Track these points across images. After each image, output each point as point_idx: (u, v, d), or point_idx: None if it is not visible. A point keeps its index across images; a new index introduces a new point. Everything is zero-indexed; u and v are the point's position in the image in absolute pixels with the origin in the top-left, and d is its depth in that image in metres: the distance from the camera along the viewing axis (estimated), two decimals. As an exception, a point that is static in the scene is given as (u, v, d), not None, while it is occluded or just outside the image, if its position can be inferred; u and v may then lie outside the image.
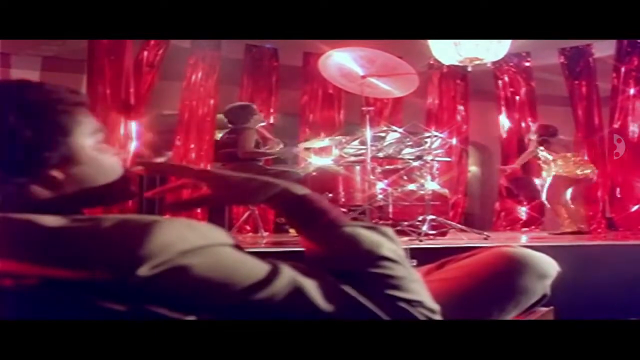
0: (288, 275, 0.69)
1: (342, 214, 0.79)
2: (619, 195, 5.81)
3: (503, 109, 6.48)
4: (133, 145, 5.26)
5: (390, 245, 0.75)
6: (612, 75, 5.89)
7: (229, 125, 4.18)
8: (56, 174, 0.74)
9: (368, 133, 3.77)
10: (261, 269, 0.69)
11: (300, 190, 0.79)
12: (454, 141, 5.77)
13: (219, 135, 5.94)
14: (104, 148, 0.82)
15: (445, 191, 4.50)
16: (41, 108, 0.75)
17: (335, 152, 4.22)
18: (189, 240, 0.66)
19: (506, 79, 6.45)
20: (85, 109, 0.81)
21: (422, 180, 3.95)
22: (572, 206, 4.80)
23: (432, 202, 3.89)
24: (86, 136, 0.79)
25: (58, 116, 0.76)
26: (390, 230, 0.78)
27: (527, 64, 6.38)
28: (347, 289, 0.70)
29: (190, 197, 0.84)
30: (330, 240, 0.75)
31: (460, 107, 6.55)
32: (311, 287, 0.69)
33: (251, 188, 0.80)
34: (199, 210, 5.53)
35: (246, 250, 0.72)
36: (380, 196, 3.94)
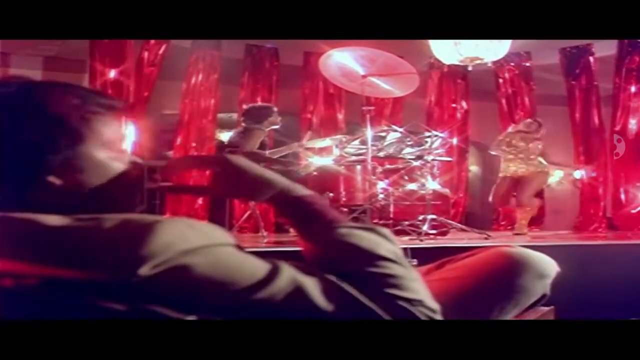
0: (288, 274, 0.69)
1: (339, 214, 0.79)
2: (622, 195, 5.78)
3: (503, 108, 6.47)
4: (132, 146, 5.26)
5: (388, 245, 0.76)
6: (613, 74, 5.87)
7: (242, 124, 4.16)
8: (53, 179, 0.73)
9: (369, 133, 3.77)
10: (262, 268, 0.69)
11: (298, 191, 0.79)
12: (454, 141, 5.76)
13: (220, 135, 5.96)
14: (119, 157, 0.80)
15: (446, 191, 4.50)
16: (56, 113, 0.74)
17: (336, 151, 4.22)
18: (190, 239, 0.66)
19: (506, 78, 6.44)
20: (113, 115, 0.79)
21: (423, 180, 3.95)
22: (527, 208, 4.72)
23: (432, 202, 3.90)
24: (100, 144, 0.77)
25: (73, 123, 0.74)
26: (387, 231, 0.78)
27: (527, 63, 6.37)
28: (348, 288, 0.70)
29: (193, 184, 0.83)
30: (328, 241, 0.76)
31: (461, 107, 6.54)
32: (311, 286, 0.69)
33: (257, 185, 0.80)
34: (200, 201, 5.53)
35: (246, 250, 0.72)
36: (381, 196, 3.94)
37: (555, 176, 7.01)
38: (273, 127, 4.21)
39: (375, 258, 0.73)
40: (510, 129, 4.97)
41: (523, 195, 4.61)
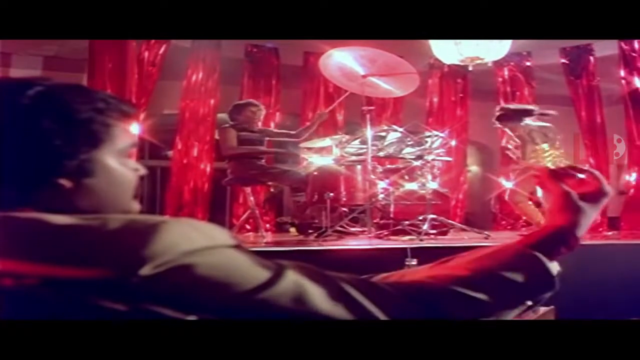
0: (292, 278, 0.69)
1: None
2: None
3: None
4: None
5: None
6: (619, 75, 5.85)
7: (231, 122, 4.21)
8: (64, 182, 0.74)
9: (369, 132, 3.78)
10: (264, 271, 0.69)
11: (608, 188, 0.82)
12: (453, 142, 5.77)
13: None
14: (126, 162, 0.80)
15: (447, 191, 4.50)
16: (81, 116, 0.74)
17: (336, 151, 4.22)
18: (194, 240, 0.66)
19: (507, 78, 6.44)
20: (128, 121, 0.80)
21: (423, 180, 3.95)
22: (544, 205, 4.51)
23: (433, 202, 3.90)
24: (114, 151, 0.78)
25: (95, 127, 0.75)
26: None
27: (528, 63, 6.37)
28: (354, 293, 0.70)
29: None
30: (513, 257, 0.79)
31: (461, 107, 6.55)
32: (315, 290, 0.69)
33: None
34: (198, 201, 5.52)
35: (249, 251, 0.72)
36: (382, 195, 3.94)
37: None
38: (254, 120, 4.22)
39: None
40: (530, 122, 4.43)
41: None
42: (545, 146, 4.32)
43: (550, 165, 3.77)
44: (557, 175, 0.84)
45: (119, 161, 0.79)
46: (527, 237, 0.84)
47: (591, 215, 0.83)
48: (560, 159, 4.37)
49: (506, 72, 6.41)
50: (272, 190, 4.96)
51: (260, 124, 4.33)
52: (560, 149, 4.39)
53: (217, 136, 5.81)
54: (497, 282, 0.78)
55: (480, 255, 0.86)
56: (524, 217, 4.61)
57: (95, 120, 0.75)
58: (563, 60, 6.18)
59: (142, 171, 0.84)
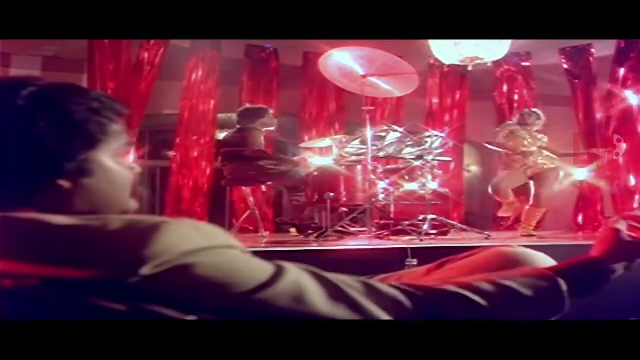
0: (291, 278, 0.69)
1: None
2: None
3: (503, 108, 6.47)
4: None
5: None
6: (614, 75, 5.85)
7: (237, 126, 4.19)
8: (63, 182, 0.73)
9: (368, 133, 3.78)
10: (264, 271, 0.69)
11: None
12: (451, 143, 5.76)
13: (220, 135, 5.97)
14: (122, 161, 0.81)
15: (447, 191, 4.50)
16: (77, 117, 0.74)
17: (336, 151, 4.23)
18: (195, 241, 0.66)
19: (506, 78, 6.44)
20: (122, 120, 0.80)
21: (423, 180, 3.95)
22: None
23: (433, 202, 3.90)
24: (110, 150, 0.78)
25: (91, 127, 0.75)
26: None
27: (528, 63, 6.37)
28: (353, 293, 0.70)
29: None
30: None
31: (460, 107, 6.54)
32: (314, 290, 0.69)
33: None
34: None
35: (250, 251, 0.72)
36: (382, 196, 3.95)
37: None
38: (266, 128, 4.22)
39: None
40: (510, 122, 4.59)
41: (543, 194, 4.27)
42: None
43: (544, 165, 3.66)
44: (626, 217, 0.90)
45: (115, 160, 0.79)
46: (558, 265, 0.87)
47: (628, 261, 0.91)
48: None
49: (505, 73, 6.41)
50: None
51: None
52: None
53: (218, 137, 5.82)
54: (503, 291, 0.78)
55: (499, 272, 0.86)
56: (503, 201, 4.54)
57: (91, 120, 0.75)
58: (562, 61, 6.19)
59: (138, 169, 0.84)
